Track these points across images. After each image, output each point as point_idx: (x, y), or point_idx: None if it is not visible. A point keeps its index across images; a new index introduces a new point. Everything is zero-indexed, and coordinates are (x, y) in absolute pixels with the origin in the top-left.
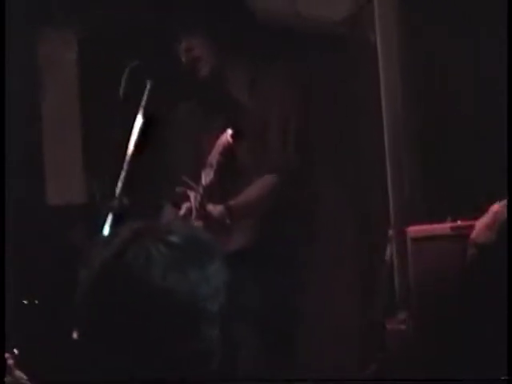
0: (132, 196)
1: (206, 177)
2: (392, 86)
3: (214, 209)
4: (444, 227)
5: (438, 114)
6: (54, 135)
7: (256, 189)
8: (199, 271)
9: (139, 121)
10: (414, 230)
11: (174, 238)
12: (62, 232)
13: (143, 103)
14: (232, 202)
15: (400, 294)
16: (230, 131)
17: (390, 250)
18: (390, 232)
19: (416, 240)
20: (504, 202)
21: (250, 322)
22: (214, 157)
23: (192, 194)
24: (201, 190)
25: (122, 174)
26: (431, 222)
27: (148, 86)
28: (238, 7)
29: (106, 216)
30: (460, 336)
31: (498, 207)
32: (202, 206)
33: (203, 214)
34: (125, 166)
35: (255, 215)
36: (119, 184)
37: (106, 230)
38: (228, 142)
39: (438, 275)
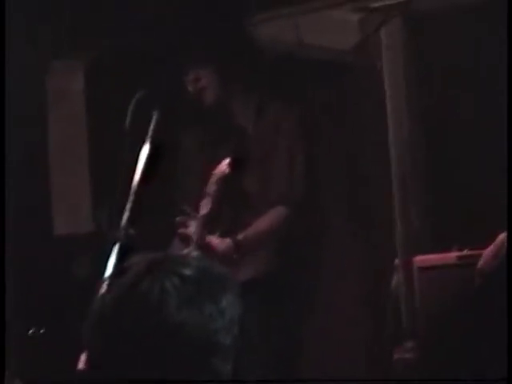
0: (138, 226)
1: (204, 206)
2: (398, 112)
3: (221, 242)
4: (450, 256)
5: (443, 141)
6: (62, 164)
7: (265, 221)
8: (213, 304)
9: (146, 151)
10: (420, 259)
11: (187, 271)
12: (69, 261)
13: (150, 133)
14: (240, 236)
15: (407, 323)
16: (227, 160)
17: (397, 280)
18: (397, 261)
19: (423, 269)
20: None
21: (260, 351)
22: (210, 186)
23: (192, 223)
24: (200, 219)
25: (128, 204)
26: (437, 251)
27: (155, 116)
28: (244, 37)
29: (112, 246)
30: (466, 364)
31: (505, 236)
32: (201, 235)
33: (203, 244)
34: (131, 196)
35: (263, 248)
36: (125, 214)
37: (112, 261)
38: (224, 172)
39: (445, 304)
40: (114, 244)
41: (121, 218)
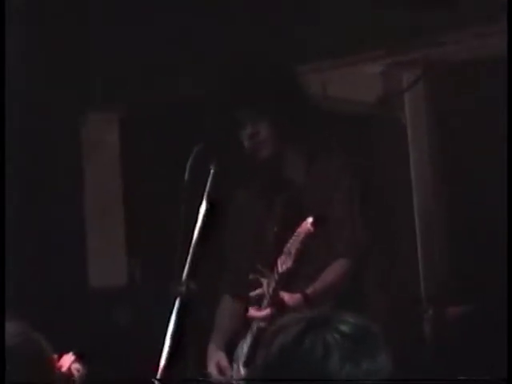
0: (197, 281)
1: (283, 264)
2: (421, 166)
3: (291, 297)
4: None
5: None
6: (97, 217)
7: (331, 275)
8: (371, 362)
9: (204, 205)
10: (453, 310)
11: (347, 328)
12: (104, 313)
13: (208, 188)
14: (309, 291)
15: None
16: (310, 219)
17: (430, 330)
18: (430, 311)
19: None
20: None
21: None
22: (293, 245)
23: (265, 282)
24: (276, 277)
25: (189, 259)
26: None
27: (212, 171)
28: (295, 89)
29: (174, 301)
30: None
31: None
32: (275, 293)
33: (276, 302)
34: (191, 251)
35: (331, 301)
36: (186, 269)
37: (174, 315)
38: (309, 230)
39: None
40: (176, 299)
41: (182, 273)
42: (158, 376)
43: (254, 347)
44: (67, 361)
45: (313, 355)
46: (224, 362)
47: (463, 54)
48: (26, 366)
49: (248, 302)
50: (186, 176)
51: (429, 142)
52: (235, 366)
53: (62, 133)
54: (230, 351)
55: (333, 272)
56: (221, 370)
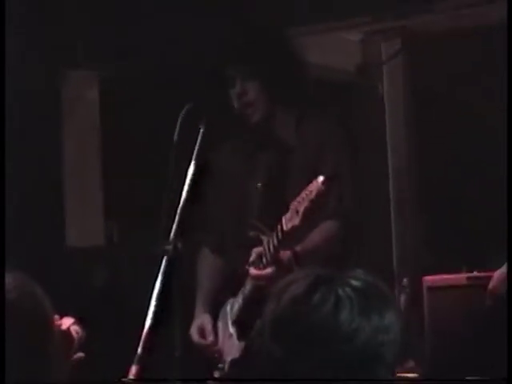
0: (184, 241)
1: (288, 222)
2: (397, 132)
3: (283, 254)
4: (460, 277)
5: (446, 161)
6: (74, 174)
7: (319, 235)
8: (380, 318)
9: (193, 164)
10: (429, 279)
11: (358, 284)
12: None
13: (197, 147)
14: (298, 248)
15: (413, 341)
16: (321, 178)
17: (405, 298)
18: (405, 281)
19: (431, 289)
20: None
21: None
22: (302, 203)
23: (265, 239)
24: (280, 235)
25: (176, 218)
26: (447, 272)
27: (201, 130)
28: (287, 51)
29: (161, 260)
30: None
31: None
32: (277, 251)
33: (275, 260)
34: (178, 210)
35: (319, 261)
36: (173, 228)
37: (161, 274)
38: (321, 189)
39: (453, 324)
40: (163, 257)
41: (168, 233)
42: (143, 338)
43: (247, 306)
44: (67, 321)
45: (324, 307)
46: (208, 325)
47: (444, 25)
48: (23, 322)
49: (236, 260)
50: (176, 135)
51: (405, 112)
52: (221, 324)
53: (42, 90)
54: (214, 310)
55: (320, 233)
56: (204, 334)
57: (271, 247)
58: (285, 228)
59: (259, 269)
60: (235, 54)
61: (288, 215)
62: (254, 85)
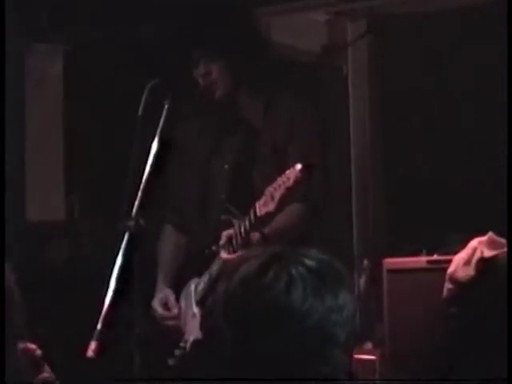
0: (147, 217)
1: (262, 208)
2: (361, 115)
3: (252, 236)
4: (420, 260)
5: (409, 144)
6: (37, 150)
7: (286, 217)
8: (334, 298)
9: (156, 142)
10: (389, 261)
11: (312, 263)
12: (41, 248)
13: (161, 124)
14: (266, 230)
15: (372, 324)
16: (299, 165)
17: (365, 280)
18: (366, 262)
19: (391, 271)
20: (482, 238)
21: None
22: (277, 189)
23: (236, 223)
24: (252, 219)
25: (138, 195)
26: (407, 254)
27: (166, 107)
28: (253, 31)
29: (123, 236)
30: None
31: (476, 243)
32: (247, 235)
33: (246, 243)
34: (141, 187)
35: (285, 242)
36: (136, 204)
37: (122, 250)
38: (299, 177)
39: (413, 307)
40: (125, 233)
41: (131, 209)
42: (103, 314)
43: (213, 287)
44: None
45: (276, 286)
46: (171, 298)
47: (410, 7)
48: None
49: (201, 240)
50: (140, 110)
51: (369, 94)
52: (184, 303)
53: (7, 64)
54: (176, 287)
55: (287, 215)
56: (167, 307)
57: (242, 231)
58: (258, 213)
59: (229, 252)
60: (199, 33)
61: (262, 201)
62: (217, 65)
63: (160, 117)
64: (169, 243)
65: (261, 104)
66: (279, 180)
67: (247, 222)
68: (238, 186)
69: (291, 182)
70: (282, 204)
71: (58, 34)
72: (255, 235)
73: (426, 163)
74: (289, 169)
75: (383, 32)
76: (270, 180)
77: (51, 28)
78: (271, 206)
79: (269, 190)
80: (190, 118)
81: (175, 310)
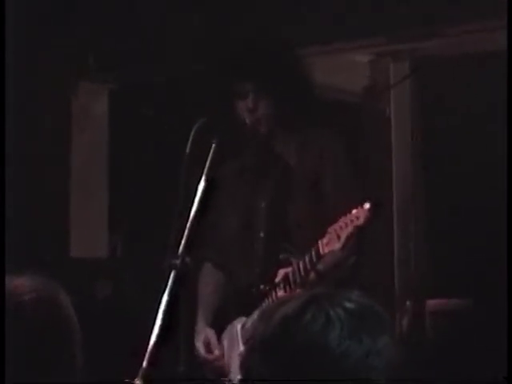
0: (193, 256)
1: (325, 246)
2: (403, 156)
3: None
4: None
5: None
6: (82, 186)
7: (337, 256)
8: (372, 342)
9: (203, 180)
10: (432, 303)
11: (351, 305)
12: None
13: (208, 163)
14: (321, 267)
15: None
16: (367, 205)
17: (408, 322)
18: (408, 303)
19: (434, 314)
20: None
21: None
22: (344, 229)
23: (295, 262)
24: (315, 258)
25: (185, 234)
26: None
27: (214, 145)
28: (296, 69)
29: (169, 274)
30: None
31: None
32: (307, 274)
33: (304, 282)
34: (188, 226)
35: (340, 276)
36: (182, 243)
37: (168, 287)
38: (368, 216)
39: (454, 348)
40: (170, 272)
41: (178, 247)
42: (148, 352)
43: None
44: None
45: (313, 327)
46: (213, 338)
47: (452, 49)
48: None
49: (244, 278)
50: (188, 149)
51: (412, 136)
52: (228, 343)
53: (54, 101)
54: (219, 327)
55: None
56: (209, 348)
57: (302, 269)
58: (321, 252)
59: (285, 290)
60: (247, 70)
61: (325, 239)
62: (265, 101)
63: (207, 156)
64: (209, 282)
65: (297, 141)
66: (345, 219)
67: (307, 260)
68: (275, 224)
69: (361, 220)
70: (348, 243)
71: (104, 73)
72: (311, 274)
73: (471, 203)
74: (356, 208)
75: (425, 74)
76: (308, 217)
77: (97, 68)
78: (337, 245)
79: (333, 228)
80: (233, 155)
81: (217, 352)
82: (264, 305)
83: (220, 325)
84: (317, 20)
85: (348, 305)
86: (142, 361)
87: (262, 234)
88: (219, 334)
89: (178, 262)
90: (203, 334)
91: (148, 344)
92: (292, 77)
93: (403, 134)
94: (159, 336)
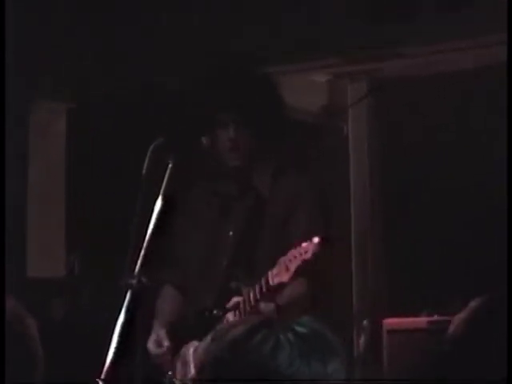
0: (149, 275)
1: (275, 277)
2: (361, 174)
3: (266, 306)
4: (420, 321)
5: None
6: (38, 206)
7: (299, 286)
8: (322, 366)
9: (160, 200)
10: (389, 322)
11: (302, 329)
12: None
13: (164, 183)
14: (280, 301)
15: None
16: (316, 239)
17: (365, 341)
18: (365, 323)
19: (391, 332)
20: (481, 299)
21: None
22: (293, 261)
23: (245, 290)
24: (264, 287)
25: (141, 254)
26: (407, 315)
27: (170, 166)
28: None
29: (125, 294)
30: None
31: (476, 304)
32: (257, 303)
33: (256, 311)
34: (144, 245)
35: (300, 314)
36: (138, 263)
37: (125, 307)
38: (317, 250)
39: (412, 368)
40: (127, 291)
41: (135, 266)
42: (104, 371)
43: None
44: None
45: (263, 348)
46: (162, 334)
47: (411, 70)
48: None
49: (202, 303)
50: (144, 169)
51: (369, 154)
52: (180, 365)
53: (11, 120)
54: (173, 348)
55: (301, 287)
56: (159, 344)
57: (252, 298)
58: (271, 282)
59: (235, 317)
60: (223, 96)
61: (275, 270)
62: (244, 131)
63: (164, 176)
64: (167, 302)
65: (268, 173)
66: (295, 252)
67: (257, 290)
68: (242, 254)
69: (309, 254)
70: (297, 275)
71: (61, 92)
72: (270, 305)
73: (427, 225)
74: (305, 241)
75: (383, 93)
76: (273, 250)
77: (54, 87)
78: (285, 277)
79: (283, 260)
80: (196, 179)
81: (166, 343)
82: (217, 328)
83: (174, 347)
84: (277, 40)
85: (299, 329)
86: (99, 378)
87: (225, 261)
88: (173, 356)
89: (134, 281)
90: (156, 352)
91: (105, 362)
92: (267, 106)
93: (361, 153)
94: (116, 354)
